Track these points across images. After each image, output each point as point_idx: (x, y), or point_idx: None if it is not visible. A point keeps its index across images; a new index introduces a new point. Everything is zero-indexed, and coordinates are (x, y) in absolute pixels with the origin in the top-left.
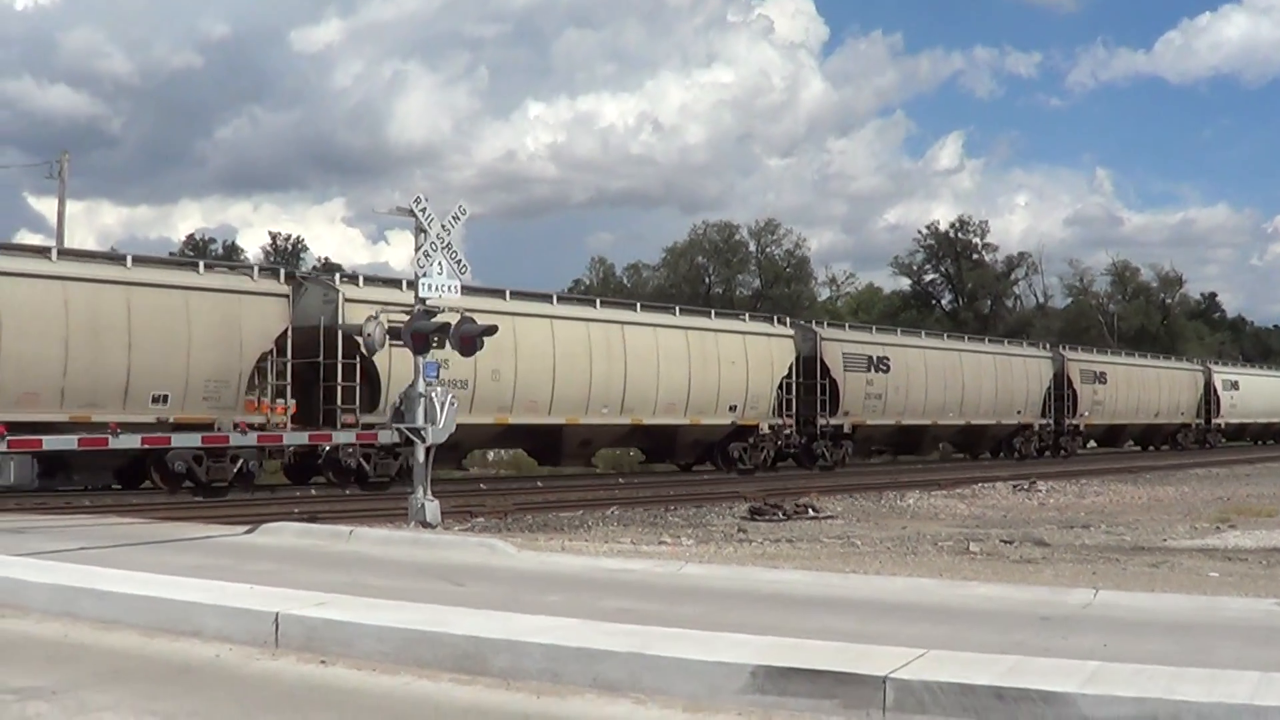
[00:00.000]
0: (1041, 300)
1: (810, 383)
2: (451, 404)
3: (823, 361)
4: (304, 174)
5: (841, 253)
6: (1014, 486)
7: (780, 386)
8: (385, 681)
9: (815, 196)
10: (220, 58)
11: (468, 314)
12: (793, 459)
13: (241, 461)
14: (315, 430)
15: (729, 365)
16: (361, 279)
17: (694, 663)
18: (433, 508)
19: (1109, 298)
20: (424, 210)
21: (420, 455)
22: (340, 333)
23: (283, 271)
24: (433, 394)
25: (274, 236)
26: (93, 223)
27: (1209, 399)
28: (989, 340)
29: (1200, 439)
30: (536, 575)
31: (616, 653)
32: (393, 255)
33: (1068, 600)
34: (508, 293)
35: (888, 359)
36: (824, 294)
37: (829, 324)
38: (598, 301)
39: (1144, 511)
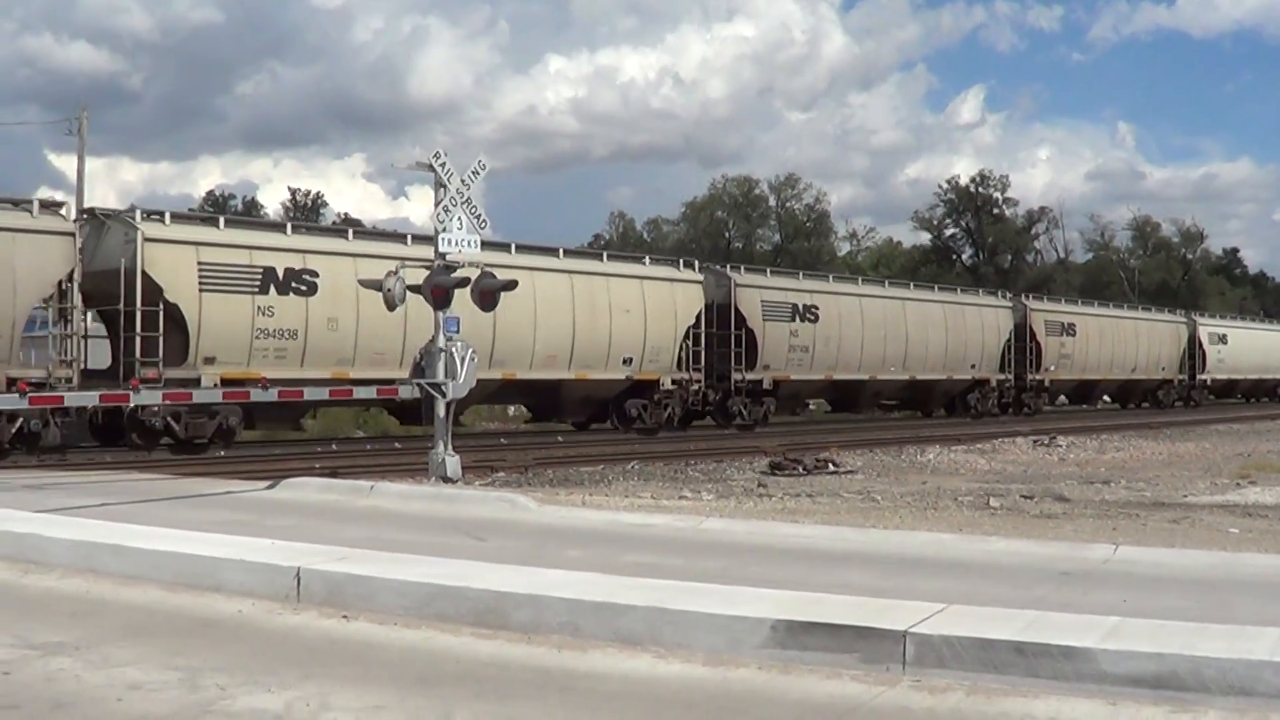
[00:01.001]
0: (1062, 255)
1: (725, 334)
2: (472, 359)
3: (738, 310)
4: (324, 129)
5: (862, 207)
6: (1034, 442)
7: (687, 337)
8: (407, 635)
9: (836, 151)
10: (240, 13)
11: (488, 268)
12: (710, 417)
13: (21, 422)
14: (108, 390)
15: (622, 313)
16: (169, 215)
17: (714, 617)
18: (453, 463)
19: (1130, 253)
20: (443, 165)
21: (441, 410)
22: (140, 277)
23: (72, 207)
24: (453, 349)
25: (294, 192)
26: (113, 179)
27: (1194, 353)
28: (939, 288)
29: (1184, 396)
30: (557, 530)
31: (637, 607)
32: (413, 210)
33: (1088, 555)
34: (351, 232)
35: (815, 308)
36: (844, 248)
37: (746, 269)
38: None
39: (1164, 467)
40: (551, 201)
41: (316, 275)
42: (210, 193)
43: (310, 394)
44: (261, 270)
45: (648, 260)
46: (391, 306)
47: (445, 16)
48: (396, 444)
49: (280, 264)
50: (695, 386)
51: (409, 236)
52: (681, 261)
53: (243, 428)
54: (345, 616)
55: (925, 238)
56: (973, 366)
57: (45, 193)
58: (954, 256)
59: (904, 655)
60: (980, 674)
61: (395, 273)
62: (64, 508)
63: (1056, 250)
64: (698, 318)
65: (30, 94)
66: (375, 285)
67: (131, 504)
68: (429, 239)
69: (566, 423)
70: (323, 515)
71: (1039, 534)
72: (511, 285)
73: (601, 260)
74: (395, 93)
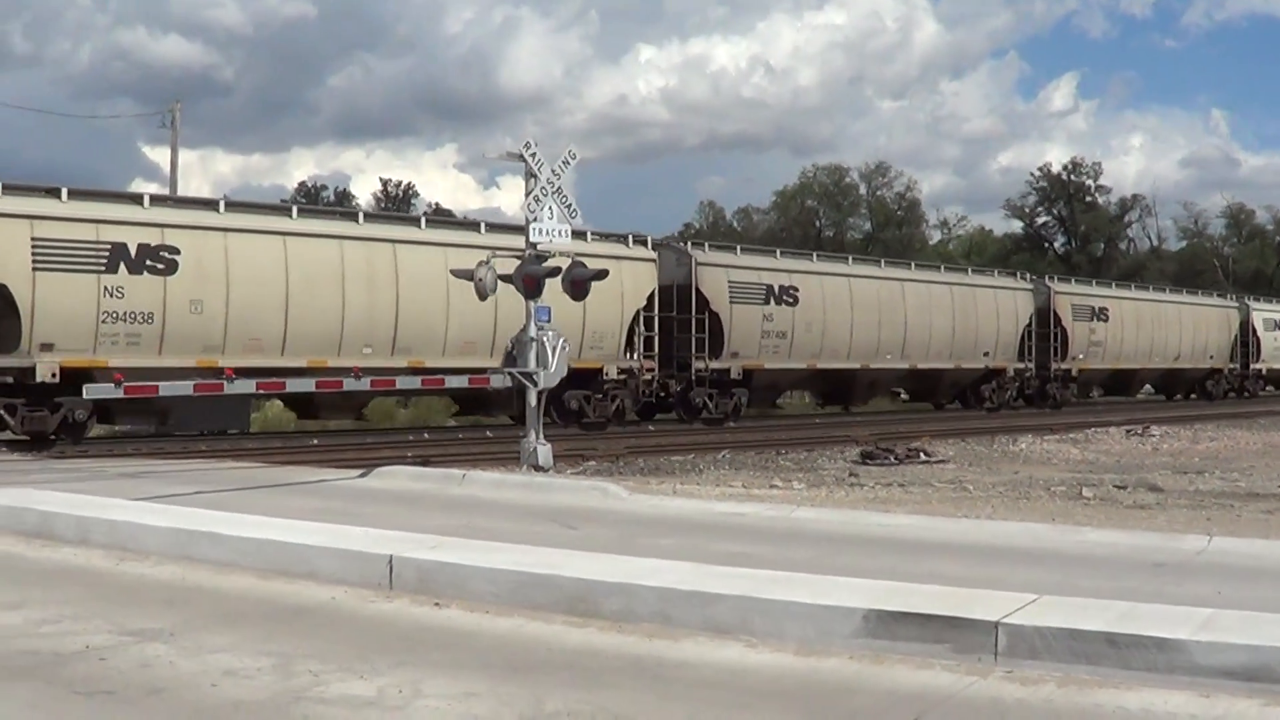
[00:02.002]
0: (1155, 243)
1: (685, 318)
2: (563, 347)
3: (700, 292)
4: (416, 120)
5: (953, 195)
6: (1127, 431)
7: (637, 321)
8: (498, 624)
9: (927, 139)
10: (332, 6)
11: (578, 258)
12: (675, 410)
13: None
14: None
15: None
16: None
17: (805, 606)
18: (545, 451)
19: (1224, 241)
20: (534, 155)
21: (532, 399)
22: None
23: None
24: (544, 338)
25: (385, 183)
26: (207, 171)
27: (1247, 340)
28: (945, 268)
29: (1236, 387)
30: (648, 518)
31: (728, 596)
32: (505, 200)
33: (1181, 546)
34: (222, 204)
35: (794, 289)
36: (935, 237)
37: (711, 246)
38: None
39: (1258, 458)
40: (642, 191)
41: (178, 253)
42: (303, 183)
43: (403, 383)
44: (110, 246)
45: (590, 235)
46: (483, 296)
47: (536, 7)
48: (489, 432)
49: (133, 240)
50: (648, 376)
51: (294, 210)
52: (631, 237)
53: (94, 422)
54: (437, 604)
55: (1017, 226)
56: (985, 354)
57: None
58: (1046, 245)
59: (996, 646)
60: (1072, 665)
61: (486, 262)
62: (159, 495)
63: (1149, 238)
64: (650, 299)
65: (124, 87)
66: (467, 275)
67: (226, 492)
68: (348, 214)
69: (496, 418)
70: (415, 503)
71: (1132, 524)
72: (603, 274)
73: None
74: (486, 83)
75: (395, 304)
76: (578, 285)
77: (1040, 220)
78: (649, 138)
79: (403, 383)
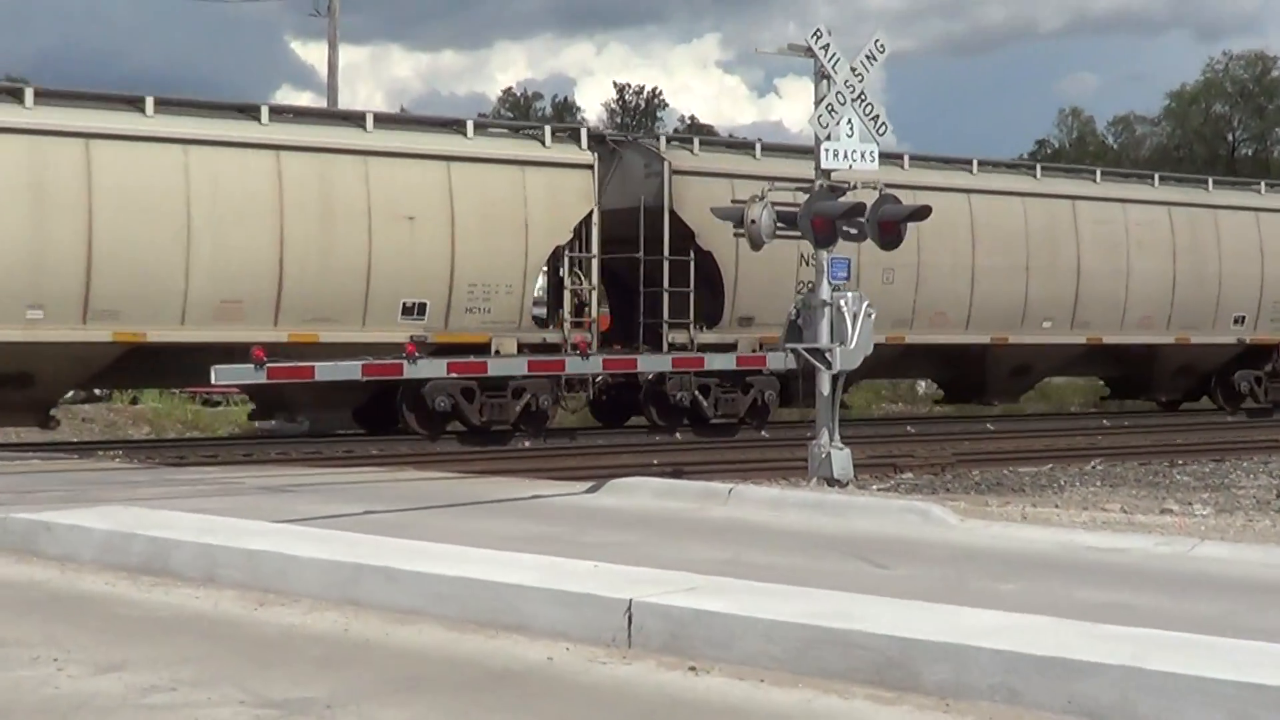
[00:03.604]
0: None
1: (655, 260)
2: (868, 315)
3: (677, 218)
4: (665, 3)
5: None
6: None
7: (559, 262)
8: (777, 698)
9: None
10: None
11: (889, 190)
12: (647, 407)
13: None
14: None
15: (396, 221)
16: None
17: (1215, 684)
18: (842, 458)
19: None
20: (827, 48)
21: (825, 386)
22: None
23: None
24: (841, 302)
25: (621, 89)
26: (380, 74)
27: None
28: (1160, 179)
29: None
30: (986, 553)
31: (1104, 665)
32: (786, 111)
33: None
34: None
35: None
36: None
37: (702, 143)
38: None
39: None
40: (978, 94)
41: None
42: (508, 90)
43: (645, 364)
44: None
45: (471, 129)
46: (757, 244)
47: None
48: (763, 433)
49: None
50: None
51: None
52: (550, 130)
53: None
54: (693, 668)
55: None
56: (1238, 321)
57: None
58: None
59: None
60: None
61: (761, 198)
62: (314, 517)
63: None
64: (582, 230)
65: None
66: (734, 215)
67: (405, 511)
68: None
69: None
70: (662, 529)
71: None
72: (923, 212)
73: (364, 128)
74: None
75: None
76: (888, 228)
77: None
78: (988, 20)
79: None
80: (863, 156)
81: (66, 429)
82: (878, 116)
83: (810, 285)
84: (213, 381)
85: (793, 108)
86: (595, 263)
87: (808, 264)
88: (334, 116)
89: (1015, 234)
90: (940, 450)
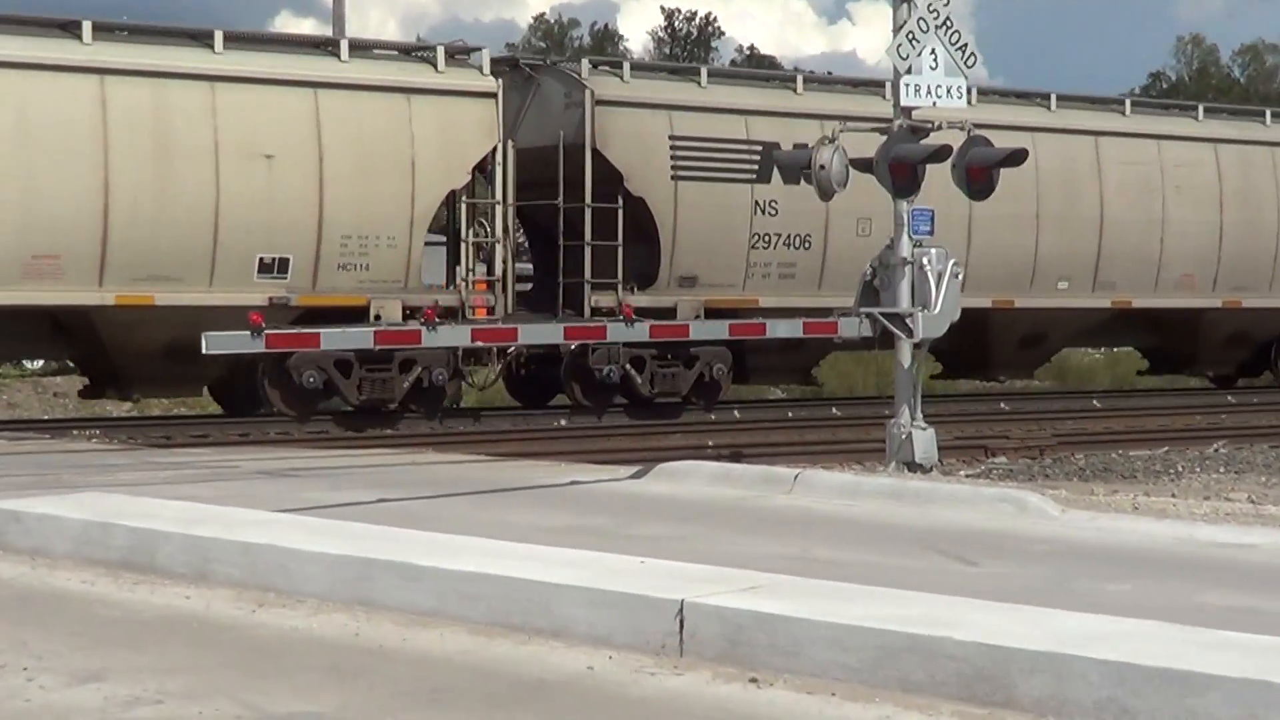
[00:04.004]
0: None
1: (575, 209)
2: (954, 274)
3: (601, 157)
4: None
5: None
6: None
7: (451, 211)
8: (851, 714)
9: None
10: None
11: (979, 131)
12: (568, 391)
13: None
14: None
15: (251, 161)
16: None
17: None
18: (924, 440)
19: None
20: None
21: (905, 357)
22: None
23: None
24: (924, 260)
25: (670, 15)
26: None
27: None
28: (1206, 109)
29: None
30: (1091, 549)
31: (1226, 679)
32: (860, 40)
33: None
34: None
35: None
36: None
37: (634, 69)
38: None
39: None
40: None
41: None
42: (540, 17)
43: (698, 331)
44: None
45: (346, 50)
46: (828, 194)
47: None
48: (834, 409)
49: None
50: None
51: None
52: (444, 52)
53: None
54: (753, 680)
55: None
56: None
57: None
58: None
59: None
60: None
61: (831, 139)
62: (319, 505)
63: None
64: (479, 172)
65: None
66: (798, 161)
67: (424, 499)
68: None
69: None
70: (719, 520)
71: None
72: (1019, 156)
73: (212, 48)
74: None
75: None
76: (977, 174)
77: None
78: None
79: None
80: (949, 93)
81: (35, 405)
82: (965, 46)
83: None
84: (204, 350)
85: (868, 36)
86: (500, 210)
87: (764, 212)
88: (175, 34)
89: (1023, 176)
90: (1038, 431)
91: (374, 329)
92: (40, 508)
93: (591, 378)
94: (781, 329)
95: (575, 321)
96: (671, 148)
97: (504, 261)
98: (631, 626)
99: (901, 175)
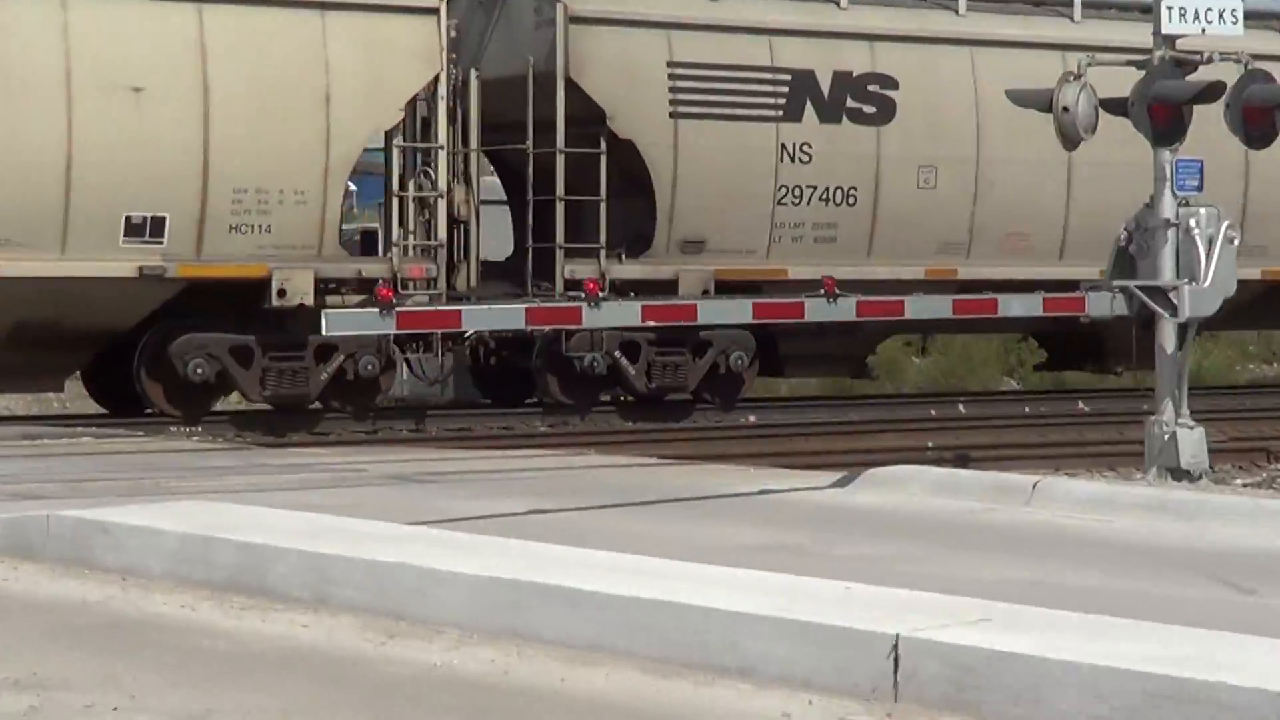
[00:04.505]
0: None
1: (547, 155)
2: (1228, 240)
3: (575, 86)
4: None
5: None
6: None
7: (386, 154)
8: None
9: None
10: None
11: (1259, 64)
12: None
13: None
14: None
15: (113, 94)
16: None
17: None
18: (1192, 441)
19: None
20: None
21: (1168, 341)
22: None
23: None
24: (1191, 222)
25: None
26: None
27: None
28: None
29: None
30: None
31: None
32: None
33: None
34: None
35: (885, 82)
36: None
37: None
38: None
39: None
40: None
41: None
42: None
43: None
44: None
45: None
46: (1073, 142)
47: None
48: (1081, 404)
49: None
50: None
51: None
52: None
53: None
54: None
55: None
56: None
57: None
58: None
59: None
60: None
61: (1077, 76)
62: (462, 517)
63: None
64: (423, 108)
65: None
66: (1039, 102)
67: (585, 511)
68: None
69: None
70: (941, 537)
71: None
72: None
73: None
74: None
75: None
76: (1256, 115)
77: None
78: None
79: (915, 308)
80: (1224, 17)
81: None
82: None
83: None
84: (324, 332)
85: None
86: (445, 156)
87: (794, 158)
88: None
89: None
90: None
91: (525, 305)
92: (132, 519)
93: (571, 369)
94: (1015, 307)
95: (546, 301)
96: (671, 77)
97: (453, 221)
98: (835, 666)
99: (1163, 118)
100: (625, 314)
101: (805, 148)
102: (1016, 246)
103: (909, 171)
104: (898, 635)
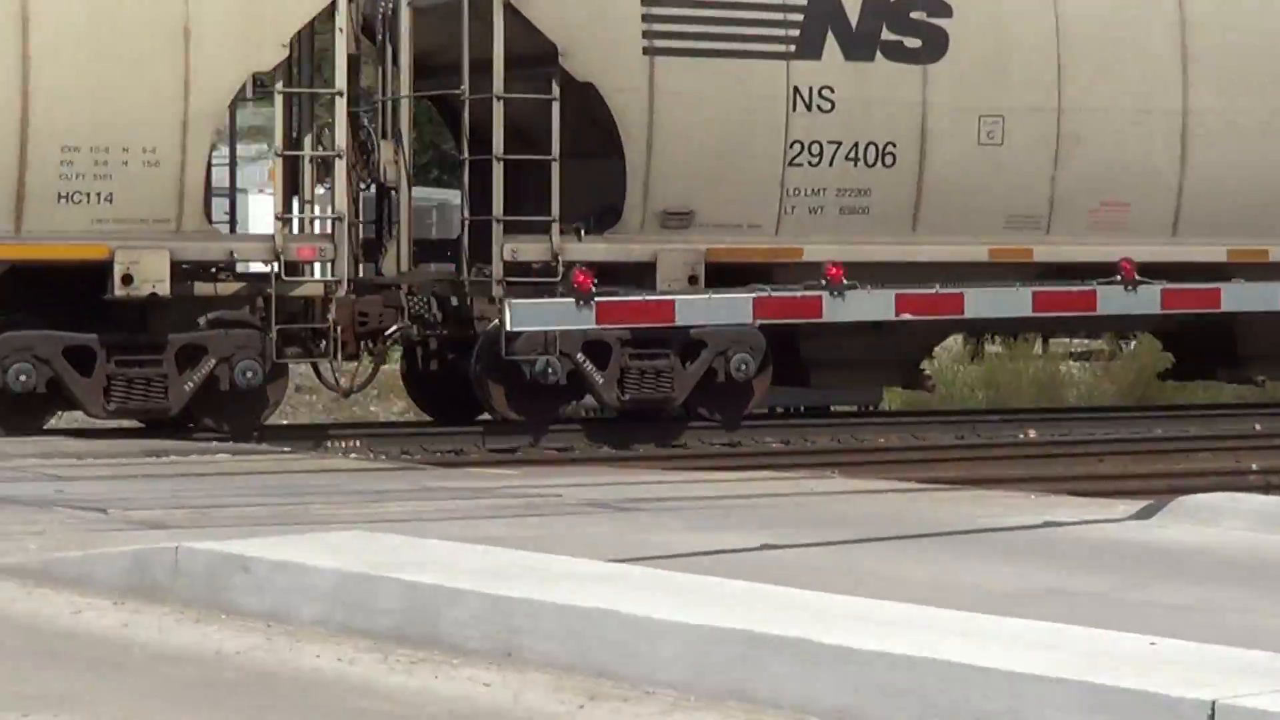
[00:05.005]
0: None
1: (544, 108)
2: None
3: (519, 20)
4: None
5: None
6: None
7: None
8: None
9: None
10: None
11: None
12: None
13: None
14: None
15: None
16: None
17: None
18: None
19: None
20: None
21: None
22: None
23: None
24: None
25: None
26: None
27: None
28: None
29: None
30: None
31: None
32: None
33: None
34: None
35: (937, 5)
36: None
37: None
38: None
39: None
40: None
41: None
42: None
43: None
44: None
45: None
46: None
47: None
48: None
49: None
50: (331, 292)
51: None
52: None
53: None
54: None
55: None
56: None
57: None
58: None
59: None
60: None
61: None
62: (675, 554)
63: None
64: (313, 44)
65: None
66: None
67: (829, 546)
68: None
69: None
70: (1269, 581)
71: None
72: None
73: None
74: None
75: None
76: None
77: None
78: None
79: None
80: None
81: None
82: None
83: None
84: (507, 327)
85: None
86: (342, 104)
87: (811, 106)
88: None
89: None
90: None
91: (752, 295)
92: (278, 553)
93: (520, 376)
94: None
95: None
96: (644, 3)
97: (381, 189)
98: None
99: None
100: (877, 305)
101: (826, 92)
102: (1112, 219)
103: (966, 123)
104: (1214, 703)
